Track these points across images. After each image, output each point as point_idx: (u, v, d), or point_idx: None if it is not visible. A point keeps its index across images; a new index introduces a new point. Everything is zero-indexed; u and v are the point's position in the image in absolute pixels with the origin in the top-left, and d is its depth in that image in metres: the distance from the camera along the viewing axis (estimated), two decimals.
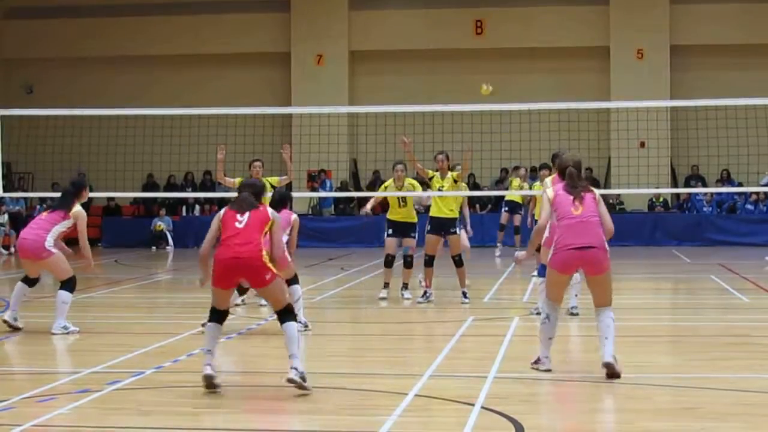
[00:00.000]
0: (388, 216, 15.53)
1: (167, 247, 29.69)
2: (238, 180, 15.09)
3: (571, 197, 9.34)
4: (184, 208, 31.80)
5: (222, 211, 8.88)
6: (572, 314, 13.08)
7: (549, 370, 9.32)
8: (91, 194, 30.37)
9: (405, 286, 15.42)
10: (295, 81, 32.61)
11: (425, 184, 15.63)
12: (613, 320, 9.19)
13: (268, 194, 13.76)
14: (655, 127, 27.64)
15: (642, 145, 28.75)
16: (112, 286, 18.30)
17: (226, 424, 7.82)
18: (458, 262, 14.92)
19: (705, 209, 30.38)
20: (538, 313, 13.29)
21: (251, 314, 13.77)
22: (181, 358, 10.19)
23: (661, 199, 30.91)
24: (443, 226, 14.90)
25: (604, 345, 9.11)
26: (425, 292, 15.04)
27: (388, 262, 15.36)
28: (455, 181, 14.95)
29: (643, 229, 28.60)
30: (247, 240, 8.59)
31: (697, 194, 29.94)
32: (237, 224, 8.68)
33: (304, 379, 8.45)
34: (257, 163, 15.00)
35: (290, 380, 8.44)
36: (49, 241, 11.90)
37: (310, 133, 25.41)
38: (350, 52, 32.78)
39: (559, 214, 9.37)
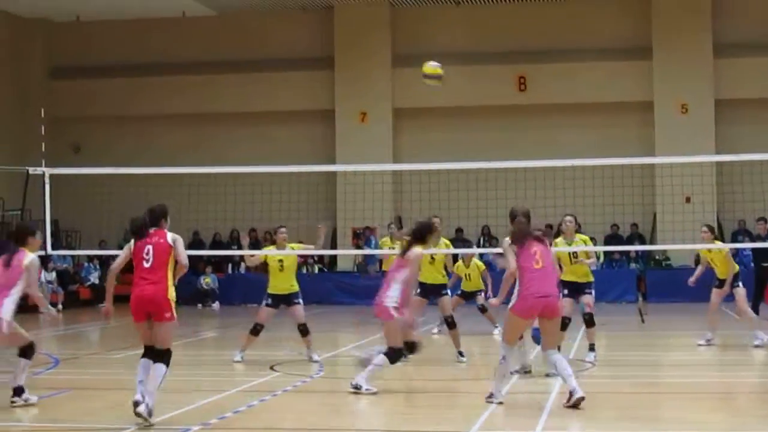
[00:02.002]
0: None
1: (213, 305, 29.78)
2: (263, 255, 15.15)
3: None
4: (229, 265, 31.88)
5: (132, 242, 9.94)
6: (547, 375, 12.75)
7: (501, 403, 10.44)
8: None
9: (592, 347, 14.62)
10: (339, 138, 32.74)
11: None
12: None
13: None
14: (701, 182, 27.43)
15: (687, 200, 28.53)
16: None
17: None
18: (451, 324, 14.86)
19: (753, 264, 30.03)
20: (547, 375, 13.13)
21: (297, 371, 13.74)
22: (228, 415, 10.17)
23: None
24: (431, 291, 14.97)
25: (572, 380, 10.30)
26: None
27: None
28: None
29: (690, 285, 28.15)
30: (154, 279, 9.83)
31: (744, 249, 29.63)
32: (145, 263, 9.79)
33: (150, 414, 9.30)
34: (282, 229, 15.11)
35: (138, 413, 9.25)
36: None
37: (354, 191, 25.49)
38: (394, 109, 32.92)
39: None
